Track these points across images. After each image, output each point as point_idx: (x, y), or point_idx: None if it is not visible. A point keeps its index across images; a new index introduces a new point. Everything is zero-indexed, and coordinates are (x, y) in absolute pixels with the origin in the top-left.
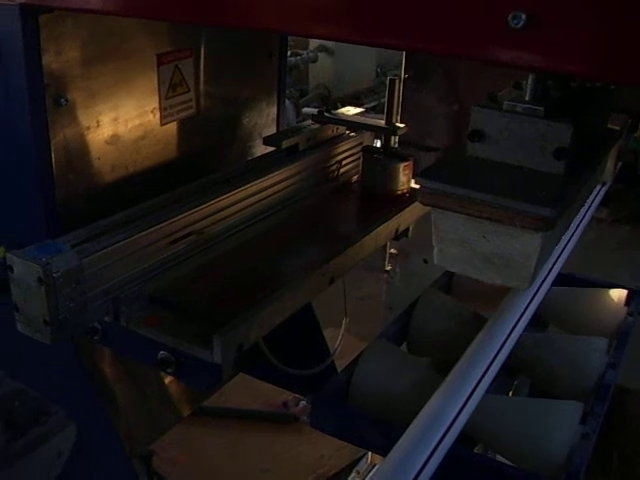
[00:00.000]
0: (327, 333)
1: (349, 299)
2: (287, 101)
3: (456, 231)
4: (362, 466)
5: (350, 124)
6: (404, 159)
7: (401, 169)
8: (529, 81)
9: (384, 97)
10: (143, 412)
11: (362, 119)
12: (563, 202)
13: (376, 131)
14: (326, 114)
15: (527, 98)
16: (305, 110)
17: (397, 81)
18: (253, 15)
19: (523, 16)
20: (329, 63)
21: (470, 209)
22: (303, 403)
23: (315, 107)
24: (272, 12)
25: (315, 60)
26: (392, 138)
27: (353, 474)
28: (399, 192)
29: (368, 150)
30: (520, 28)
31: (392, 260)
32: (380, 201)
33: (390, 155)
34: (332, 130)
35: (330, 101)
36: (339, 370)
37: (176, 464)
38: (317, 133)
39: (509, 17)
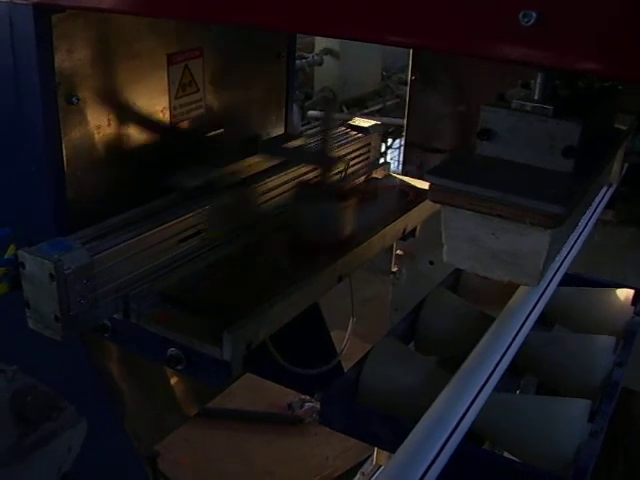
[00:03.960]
0: (333, 335)
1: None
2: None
3: (466, 228)
4: (367, 467)
5: (288, 155)
6: (346, 198)
7: (341, 211)
8: (538, 80)
9: (389, 100)
10: (149, 412)
11: (303, 148)
12: (572, 200)
13: (313, 164)
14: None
15: (536, 97)
16: (310, 113)
17: (332, 101)
18: (262, 12)
19: (533, 14)
20: (334, 66)
21: (480, 206)
22: (308, 405)
23: (320, 110)
24: (280, 9)
25: (320, 63)
26: (344, 170)
27: (358, 476)
28: (339, 239)
29: (301, 186)
30: (530, 26)
31: (398, 261)
32: (315, 251)
33: (328, 194)
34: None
35: (335, 104)
36: (345, 370)
37: (180, 465)
38: None
39: (520, 15)
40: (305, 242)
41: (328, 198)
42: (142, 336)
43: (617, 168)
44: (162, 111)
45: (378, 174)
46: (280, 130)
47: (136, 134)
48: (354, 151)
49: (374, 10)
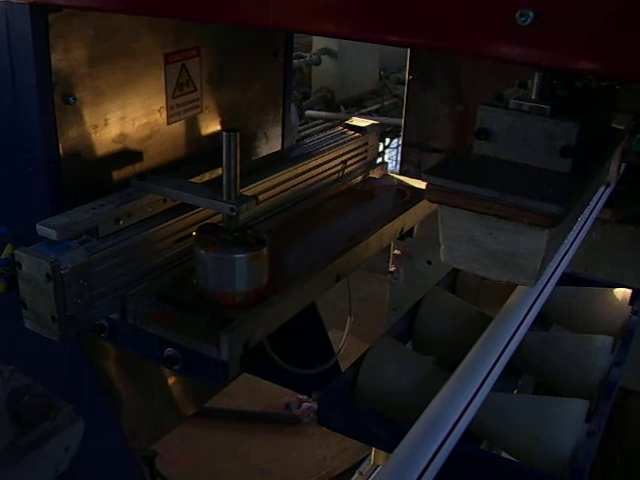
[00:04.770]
0: (331, 335)
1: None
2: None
3: (463, 228)
4: (365, 467)
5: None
6: (252, 248)
7: (246, 262)
8: (535, 80)
9: (387, 100)
10: (146, 411)
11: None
12: (570, 199)
13: (213, 208)
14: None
15: (533, 97)
16: (308, 113)
17: (234, 136)
18: (260, 12)
19: (531, 13)
20: (332, 66)
21: (477, 206)
22: (306, 405)
23: (318, 110)
24: (279, 8)
25: (318, 63)
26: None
27: (356, 476)
28: (247, 296)
29: (202, 232)
30: (528, 25)
31: (396, 261)
32: (217, 306)
33: (233, 241)
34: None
35: (334, 104)
36: (343, 370)
37: (177, 465)
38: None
39: (517, 14)
40: (207, 297)
41: (225, 246)
42: (139, 336)
43: (615, 168)
44: (159, 110)
45: (376, 174)
46: (278, 129)
47: (133, 134)
48: (351, 151)
49: (372, 10)
